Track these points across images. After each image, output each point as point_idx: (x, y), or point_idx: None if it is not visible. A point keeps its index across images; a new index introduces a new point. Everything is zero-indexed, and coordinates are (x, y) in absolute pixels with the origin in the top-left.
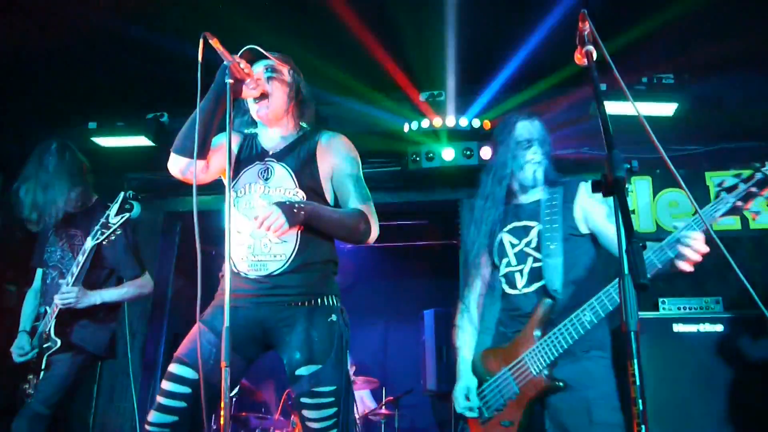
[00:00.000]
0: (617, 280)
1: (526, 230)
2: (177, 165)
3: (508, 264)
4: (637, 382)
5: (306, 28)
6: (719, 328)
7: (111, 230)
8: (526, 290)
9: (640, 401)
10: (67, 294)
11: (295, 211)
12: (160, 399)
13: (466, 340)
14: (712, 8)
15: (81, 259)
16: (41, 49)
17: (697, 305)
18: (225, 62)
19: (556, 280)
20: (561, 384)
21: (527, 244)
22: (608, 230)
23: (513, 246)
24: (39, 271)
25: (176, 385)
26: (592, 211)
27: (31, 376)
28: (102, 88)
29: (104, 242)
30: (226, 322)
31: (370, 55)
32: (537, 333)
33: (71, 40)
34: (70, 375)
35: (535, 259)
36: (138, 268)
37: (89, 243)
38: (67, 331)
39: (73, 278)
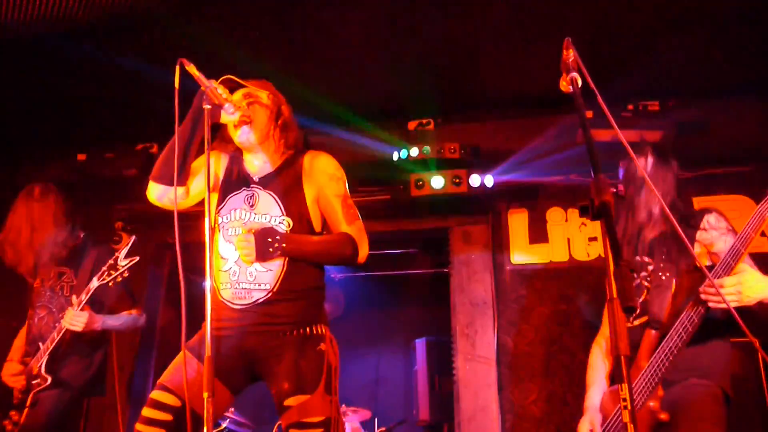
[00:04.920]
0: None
1: (644, 265)
2: (155, 192)
3: None
4: (628, 407)
5: (294, 56)
6: None
7: (119, 272)
8: (636, 322)
9: (633, 426)
10: (79, 317)
11: (270, 250)
12: (139, 427)
13: (596, 377)
14: (697, 34)
15: (84, 297)
16: (27, 81)
17: None
18: (202, 88)
19: (661, 311)
20: (663, 417)
21: (644, 277)
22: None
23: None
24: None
25: (157, 412)
26: (706, 243)
27: (13, 412)
28: (91, 120)
29: (110, 284)
30: (208, 352)
31: (359, 83)
32: (642, 364)
33: (58, 69)
34: (57, 412)
35: (648, 290)
36: (131, 301)
37: (95, 283)
38: (56, 368)
39: (80, 306)
